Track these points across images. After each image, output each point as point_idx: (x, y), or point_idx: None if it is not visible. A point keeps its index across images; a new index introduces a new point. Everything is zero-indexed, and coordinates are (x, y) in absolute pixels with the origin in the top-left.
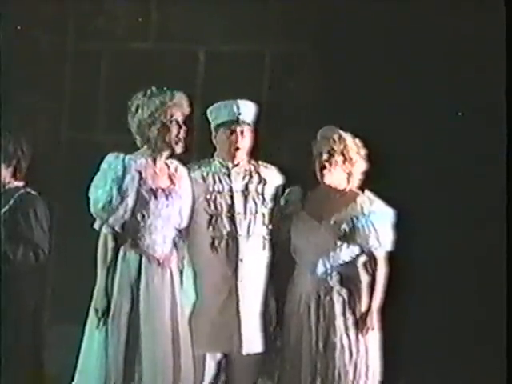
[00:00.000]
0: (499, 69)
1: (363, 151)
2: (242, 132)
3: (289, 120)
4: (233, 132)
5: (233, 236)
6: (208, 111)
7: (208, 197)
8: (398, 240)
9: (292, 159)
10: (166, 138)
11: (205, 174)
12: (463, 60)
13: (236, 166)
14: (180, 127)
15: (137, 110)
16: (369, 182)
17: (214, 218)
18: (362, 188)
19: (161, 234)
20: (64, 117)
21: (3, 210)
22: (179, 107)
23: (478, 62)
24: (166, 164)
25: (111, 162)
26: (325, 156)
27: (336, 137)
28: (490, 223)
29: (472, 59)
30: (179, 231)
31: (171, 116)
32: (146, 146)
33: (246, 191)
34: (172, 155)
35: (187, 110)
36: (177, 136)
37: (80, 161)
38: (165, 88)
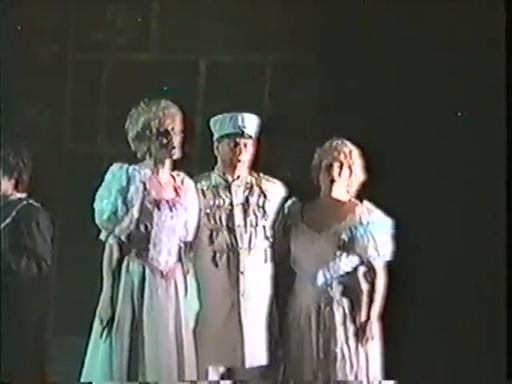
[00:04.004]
0: (499, 69)
1: (363, 162)
2: (245, 145)
3: (290, 130)
4: (236, 144)
5: (233, 249)
6: (211, 121)
7: (208, 211)
8: (397, 250)
9: (293, 170)
10: (161, 148)
11: (205, 188)
12: (463, 60)
13: (236, 178)
14: (173, 135)
15: (131, 127)
16: (368, 192)
17: (214, 233)
18: (360, 198)
19: (166, 246)
20: (65, 128)
21: (6, 221)
22: (169, 116)
23: (477, 62)
24: (172, 176)
25: (115, 173)
26: (336, 169)
27: (347, 151)
28: (490, 230)
29: (472, 59)
30: (185, 244)
31: (163, 126)
32: (147, 158)
33: (246, 204)
34: (175, 167)
35: (179, 118)
36: (171, 144)
37: (81, 172)
38: (153, 100)
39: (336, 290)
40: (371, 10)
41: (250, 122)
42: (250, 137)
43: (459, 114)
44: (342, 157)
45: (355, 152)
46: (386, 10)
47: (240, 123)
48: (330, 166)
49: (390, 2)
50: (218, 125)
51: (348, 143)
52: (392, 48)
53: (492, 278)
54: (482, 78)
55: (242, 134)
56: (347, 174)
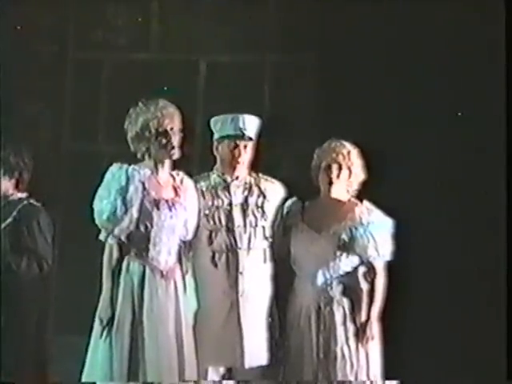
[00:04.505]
0: (499, 69)
1: (363, 162)
2: (245, 147)
3: (289, 131)
4: (236, 146)
5: (233, 250)
6: (212, 121)
7: (207, 212)
8: (397, 250)
9: (292, 170)
10: (160, 148)
11: (204, 188)
12: (463, 60)
13: (236, 179)
14: (172, 135)
15: (130, 127)
16: (368, 192)
17: (213, 233)
18: (360, 198)
19: (166, 246)
20: (65, 127)
21: (7, 221)
22: (167, 116)
23: (478, 62)
24: (172, 175)
25: (115, 173)
26: (334, 171)
27: (345, 152)
28: (490, 230)
29: (472, 59)
30: (184, 244)
31: (162, 126)
32: (146, 158)
33: (245, 204)
34: (175, 166)
35: (177, 118)
36: (171, 144)
37: (81, 171)
38: (151, 100)
39: (336, 290)
40: (371, 10)
41: (251, 124)
42: (250, 139)
43: (459, 113)
44: (340, 158)
45: (354, 152)
46: (386, 10)
47: (241, 125)
48: (328, 168)
49: (390, 2)
50: (219, 125)
51: (347, 144)
52: (392, 48)
53: (492, 278)
54: (482, 78)
55: (242, 136)
56: (346, 175)
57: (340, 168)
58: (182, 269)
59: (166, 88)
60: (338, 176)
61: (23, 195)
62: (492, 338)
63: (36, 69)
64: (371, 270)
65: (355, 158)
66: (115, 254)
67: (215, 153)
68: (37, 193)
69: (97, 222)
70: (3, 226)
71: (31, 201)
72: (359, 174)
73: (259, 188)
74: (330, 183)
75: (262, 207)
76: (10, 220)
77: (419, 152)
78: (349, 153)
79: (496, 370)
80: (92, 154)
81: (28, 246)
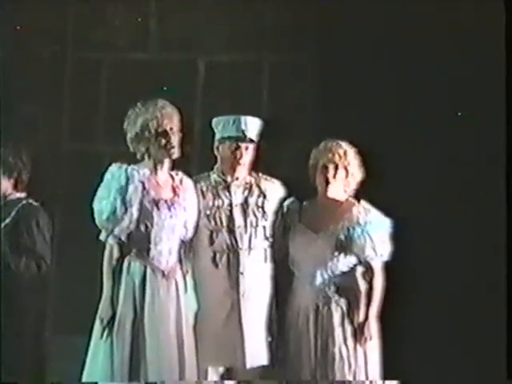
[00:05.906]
0: (499, 69)
1: (361, 162)
2: (246, 148)
3: (288, 130)
4: (237, 148)
5: (233, 250)
6: (214, 122)
7: (208, 212)
8: (395, 249)
9: (290, 170)
10: (160, 148)
11: (204, 188)
12: (463, 60)
13: (236, 179)
14: (171, 135)
15: (129, 128)
16: (366, 191)
17: (214, 234)
18: (358, 197)
19: (166, 246)
20: (64, 128)
21: (5, 221)
22: (167, 116)
23: (477, 62)
24: (171, 176)
25: (114, 173)
26: (331, 171)
27: (342, 152)
28: (489, 230)
29: (472, 59)
30: (184, 243)
31: (161, 127)
32: (146, 159)
33: (245, 204)
34: (174, 166)
35: (176, 118)
36: (170, 144)
37: (81, 171)
38: (150, 100)
39: (334, 290)
40: (371, 9)
41: (253, 126)
42: (252, 141)
43: (459, 113)
44: (336, 158)
45: (350, 152)
46: (385, 9)
47: (243, 127)
48: (325, 168)
49: (389, 2)
50: (221, 126)
51: (343, 144)
52: (391, 48)
53: (492, 278)
54: (482, 78)
55: (243, 138)
56: (343, 175)
57: (336, 168)
58: (182, 269)
59: (164, 88)
60: (335, 176)
61: (22, 195)
62: (492, 337)
63: (35, 69)
64: (369, 270)
65: (352, 157)
66: (115, 254)
67: (216, 153)
68: (36, 193)
69: (97, 222)
70: (2, 225)
71: (30, 201)
72: (356, 174)
73: (259, 188)
74: (327, 183)
75: (262, 207)
76: (8, 220)
77: (418, 152)
78: (345, 152)
79: (496, 369)
80: (91, 154)
81: (26, 246)
